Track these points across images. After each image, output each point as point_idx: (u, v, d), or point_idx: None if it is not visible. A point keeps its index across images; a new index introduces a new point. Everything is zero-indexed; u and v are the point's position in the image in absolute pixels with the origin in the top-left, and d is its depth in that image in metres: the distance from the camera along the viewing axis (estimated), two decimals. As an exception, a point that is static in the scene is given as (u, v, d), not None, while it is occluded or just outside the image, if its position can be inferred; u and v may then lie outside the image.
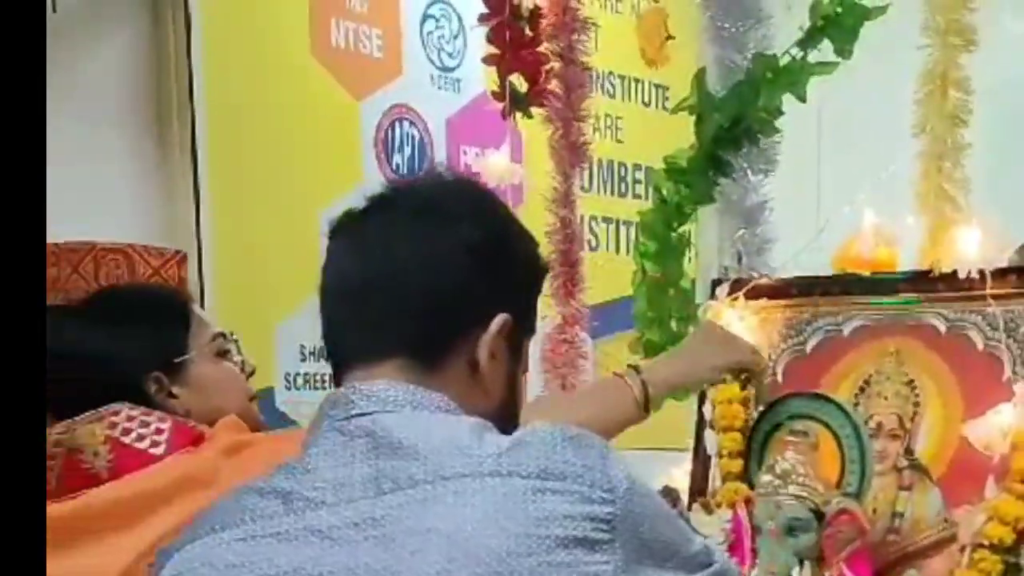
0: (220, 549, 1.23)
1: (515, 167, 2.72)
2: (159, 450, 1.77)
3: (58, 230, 2.55)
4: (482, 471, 1.20)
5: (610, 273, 2.93)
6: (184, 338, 1.93)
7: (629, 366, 2.03)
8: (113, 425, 1.78)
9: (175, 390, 1.89)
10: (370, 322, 1.32)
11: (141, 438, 1.78)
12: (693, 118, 2.41)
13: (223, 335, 1.99)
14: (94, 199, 2.91)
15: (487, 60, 2.68)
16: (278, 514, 1.23)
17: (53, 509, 1.72)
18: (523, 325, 1.39)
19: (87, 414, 1.78)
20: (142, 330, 1.89)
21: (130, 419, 1.79)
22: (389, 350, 1.30)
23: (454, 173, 1.48)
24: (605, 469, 1.21)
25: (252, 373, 2.06)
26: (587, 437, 1.24)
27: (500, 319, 1.32)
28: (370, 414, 1.27)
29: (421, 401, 1.28)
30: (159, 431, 1.79)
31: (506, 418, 1.36)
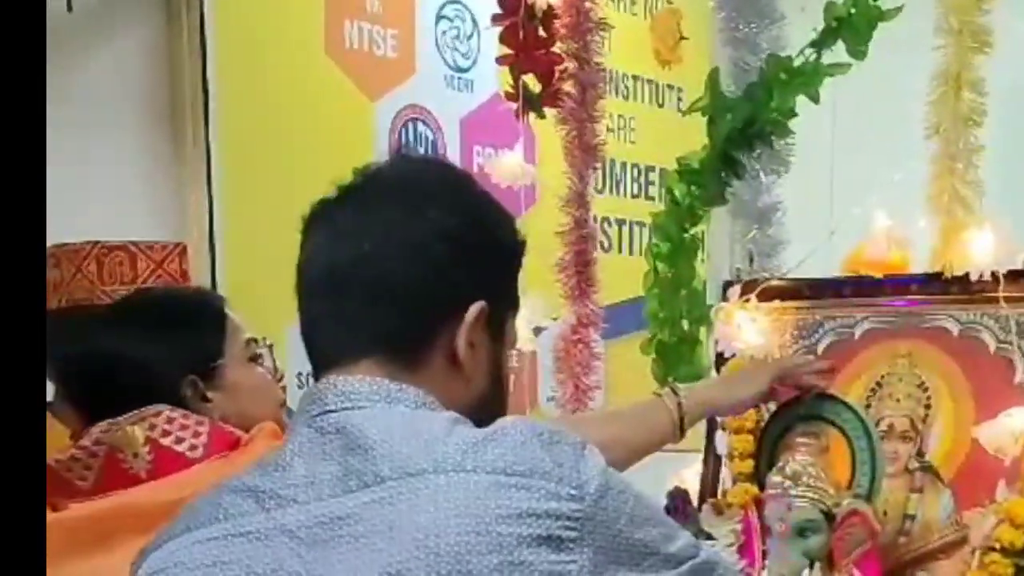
0: (193, 548, 1.22)
1: (529, 167, 2.71)
2: (197, 453, 1.78)
3: (70, 228, 2.56)
4: (446, 467, 1.16)
5: (620, 274, 2.93)
6: (220, 342, 1.93)
7: (667, 386, 2.02)
8: (153, 427, 1.78)
9: (209, 394, 1.89)
10: (345, 318, 1.28)
11: (180, 440, 1.79)
12: (706, 119, 2.40)
13: (255, 340, 2.00)
14: (107, 198, 2.92)
15: (501, 60, 2.68)
16: (250, 512, 1.21)
17: (90, 506, 1.73)
18: (504, 306, 1.35)
19: (129, 415, 1.79)
20: (180, 333, 1.89)
21: (170, 421, 1.79)
22: (366, 347, 1.27)
23: (424, 155, 1.43)
24: (577, 466, 1.17)
25: (282, 378, 2.06)
26: (560, 435, 1.20)
27: (476, 308, 1.28)
28: (342, 410, 1.24)
29: (396, 396, 1.25)
30: (197, 434, 1.80)
31: (492, 407, 1.32)
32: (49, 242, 2.49)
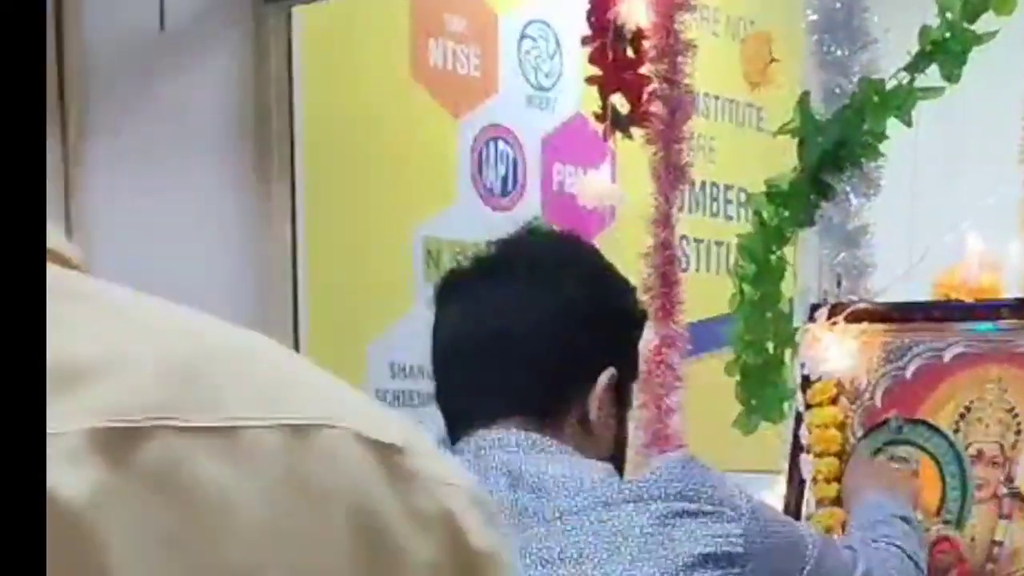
0: None
1: (616, 189, 2.72)
2: None
3: (157, 256, 2.61)
4: (619, 499, 1.25)
5: (697, 293, 2.91)
6: None
7: None
8: None
9: None
10: (485, 386, 1.38)
11: None
12: (788, 139, 2.40)
13: None
14: (192, 224, 2.96)
15: (590, 80, 2.68)
16: None
17: None
18: (628, 372, 1.45)
19: None
20: None
21: None
22: (506, 412, 1.36)
23: (554, 229, 1.55)
24: (727, 488, 1.27)
25: None
26: (700, 460, 1.31)
27: (607, 375, 1.38)
28: (498, 450, 1.32)
29: (547, 447, 1.33)
30: None
31: (616, 460, 1.41)
32: (133, 266, 2.54)
